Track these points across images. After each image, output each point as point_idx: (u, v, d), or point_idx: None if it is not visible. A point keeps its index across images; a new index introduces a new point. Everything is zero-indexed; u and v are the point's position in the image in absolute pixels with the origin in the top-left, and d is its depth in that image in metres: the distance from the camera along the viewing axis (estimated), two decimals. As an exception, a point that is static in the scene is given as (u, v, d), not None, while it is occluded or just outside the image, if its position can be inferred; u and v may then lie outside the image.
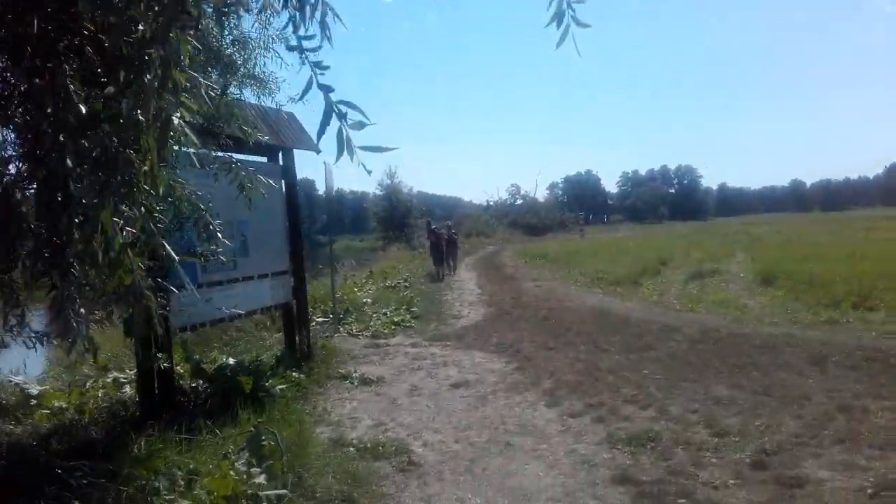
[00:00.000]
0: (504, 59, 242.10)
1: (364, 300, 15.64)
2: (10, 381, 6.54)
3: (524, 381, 8.63)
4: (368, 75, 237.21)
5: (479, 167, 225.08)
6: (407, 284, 20.56)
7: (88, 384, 7.02)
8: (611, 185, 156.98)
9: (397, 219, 54.19)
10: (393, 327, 12.95)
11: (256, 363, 8.14)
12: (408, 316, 14.24)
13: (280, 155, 8.93)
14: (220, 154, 5.97)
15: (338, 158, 2.45)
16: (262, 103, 7.65)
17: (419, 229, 43.34)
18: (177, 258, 3.03)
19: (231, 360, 7.79)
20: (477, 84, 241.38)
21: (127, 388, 7.11)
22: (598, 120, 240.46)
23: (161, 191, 2.82)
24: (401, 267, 27.96)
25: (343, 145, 2.44)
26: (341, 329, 12.61)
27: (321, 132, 2.46)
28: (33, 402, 6.35)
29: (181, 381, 7.16)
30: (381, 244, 53.78)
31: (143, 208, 2.75)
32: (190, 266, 6.86)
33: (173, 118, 2.48)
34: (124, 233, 2.65)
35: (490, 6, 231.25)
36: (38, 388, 6.52)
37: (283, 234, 8.87)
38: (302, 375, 8.28)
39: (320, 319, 13.02)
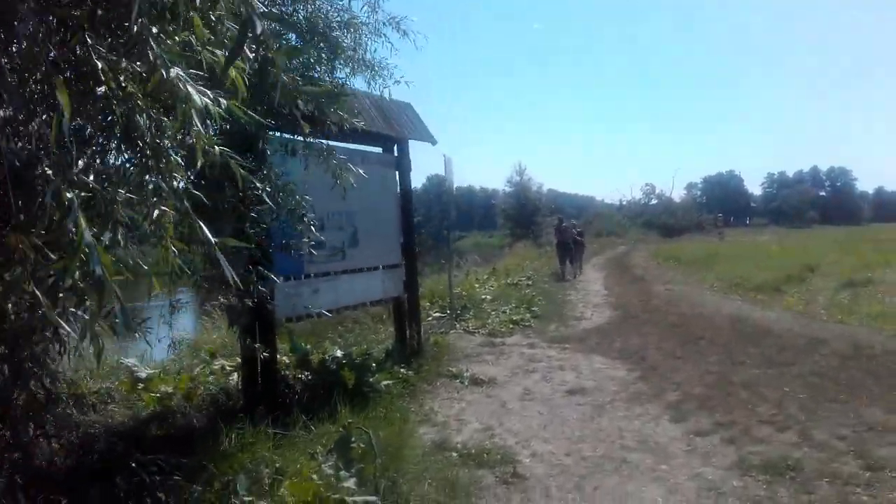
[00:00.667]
0: (640, 53, 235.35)
1: (483, 297, 15.27)
2: (123, 364, 6.60)
3: (647, 391, 7.95)
4: (501, 68, 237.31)
5: (613, 166, 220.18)
6: (530, 282, 20.02)
7: (197, 370, 7.01)
8: (754, 186, 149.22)
9: (525, 216, 53.63)
10: (511, 326, 12.50)
11: (365, 356, 7.92)
12: (528, 315, 13.74)
13: (395, 146, 8.67)
14: (313, 141, 5.74)
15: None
16: (373, 91, 7.38)
17: (547, 227, 42.58)
18: (217, 244, 2.65)
19: (339, 352, 7.59)
20: (613, 80, 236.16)
21: (235, 376, 7.05)
22: (741, 118, 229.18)
23: (199, 164, 2.49)
24: (525, 264, 27.42)
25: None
26: (457, 325, 12.29)
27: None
28: (140, 385, 6.37)
29: (286, 372, 7.03)
30: (508, 241, 53.40)
31: (175, 182, 2.44)
32: (295, 256, 6.69)
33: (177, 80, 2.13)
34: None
35: None
36: (148, 371, 6.54)
37: (395, 227, 8.61)
38: (410, 372, 7.99)
39: (437, 315, 12.75)
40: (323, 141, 6.95)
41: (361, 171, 7.90)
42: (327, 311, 7.34)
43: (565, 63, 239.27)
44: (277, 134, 6.43)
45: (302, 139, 5.82)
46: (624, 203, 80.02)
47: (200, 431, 5.37)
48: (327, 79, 6.09)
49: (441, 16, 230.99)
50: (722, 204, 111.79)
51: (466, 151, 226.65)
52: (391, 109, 8.40)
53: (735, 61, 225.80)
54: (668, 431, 6.51)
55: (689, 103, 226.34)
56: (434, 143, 9.05)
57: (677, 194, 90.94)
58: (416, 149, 8.86)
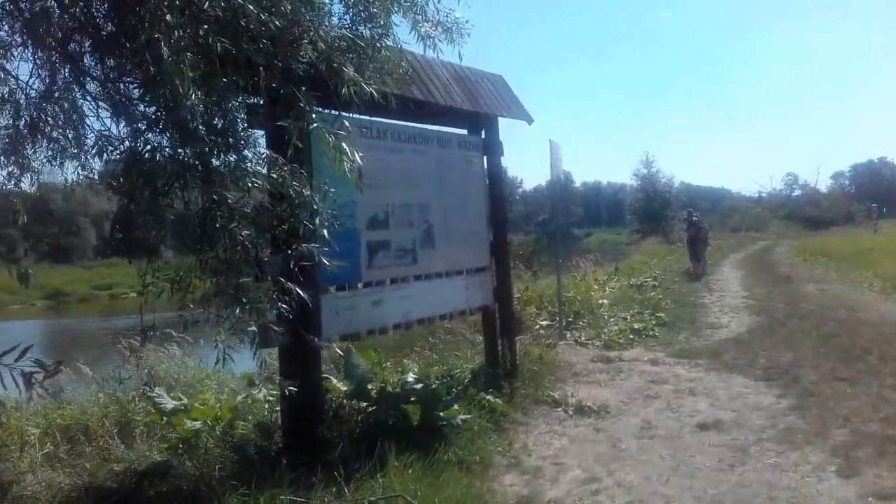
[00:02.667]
0: (776, 35, 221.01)
1: (600, 301, 13.55)
2: (146, 394, 5.57)
3: (804, 427, 6.15)
4: (625, 53, 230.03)
5: (750, 156, 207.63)
6: (656, 283, 18.00)
7: (239, 398, 5.87)
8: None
9: (653, 211, 50.78)
10: (631, 336, 10.79)
11: (443, 380, 6.59)
12: (652, 322, 11.96)
13: (482, 126, 7.27)
14: (361, 118, 4.46)
15: None
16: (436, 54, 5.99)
17: (679, 222, 39.85)
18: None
19: (410, 376, 6.29)
20: (747, 66, 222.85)
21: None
22: (890, 101, 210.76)
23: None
24: (653, 263, 25.25)
25: None
26: (568, 335, 10.72)
27: None
28: (162, 422, 5.31)
29: (344, 401, 5.80)
30: (636, 238, 50.79)
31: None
32: (349, 260, 5.44)
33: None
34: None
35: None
36: (175, 402, 5.46)
37: (483, 222, 7.19)
38: (500, 399, 6.55)
39: (544, 323, 11.23)
40: (375, 119, 5.72)
41: (436, 155, 6.61)
42: (396, 325, 6.07)
43: (695, 51, 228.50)
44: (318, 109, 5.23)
45: (337, 113, 4.54)
46: (763, 195, 75.07)
47: (212, 491, 4.19)
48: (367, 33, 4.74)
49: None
50: (873, 194, 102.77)
51: (590, 144, 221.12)
52: (475, 81, 7.01)
53: (878, 43, 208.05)
54: (835, 490, 4.80)
55: (832, 88, 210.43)
56: (530, 121, 7.57)
57: (823, 184, 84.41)
58: (516, 132, 7.46)
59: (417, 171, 6.29)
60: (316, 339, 5.01)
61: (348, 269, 5.47)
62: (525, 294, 11.90)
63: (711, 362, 8.96)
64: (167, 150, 3.31)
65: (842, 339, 9.89)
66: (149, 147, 3.32)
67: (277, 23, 3.53)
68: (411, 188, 6.19)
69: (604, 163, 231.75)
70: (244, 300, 4.17)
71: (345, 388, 5.83)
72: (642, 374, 8.40)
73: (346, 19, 4.72)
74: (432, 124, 6.72)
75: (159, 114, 3.27)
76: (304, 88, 3.92)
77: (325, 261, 4.03)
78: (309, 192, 3.82)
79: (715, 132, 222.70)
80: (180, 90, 2.63)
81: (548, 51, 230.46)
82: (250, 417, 5.63)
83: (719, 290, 17.78)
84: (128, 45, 2.90)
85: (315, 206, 3.86)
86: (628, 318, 12.33)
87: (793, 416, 6.48)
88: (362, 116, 5.67)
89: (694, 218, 22.95)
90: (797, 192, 74.14)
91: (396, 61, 4.94)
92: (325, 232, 3.90)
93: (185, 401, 5.56)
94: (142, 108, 3.46)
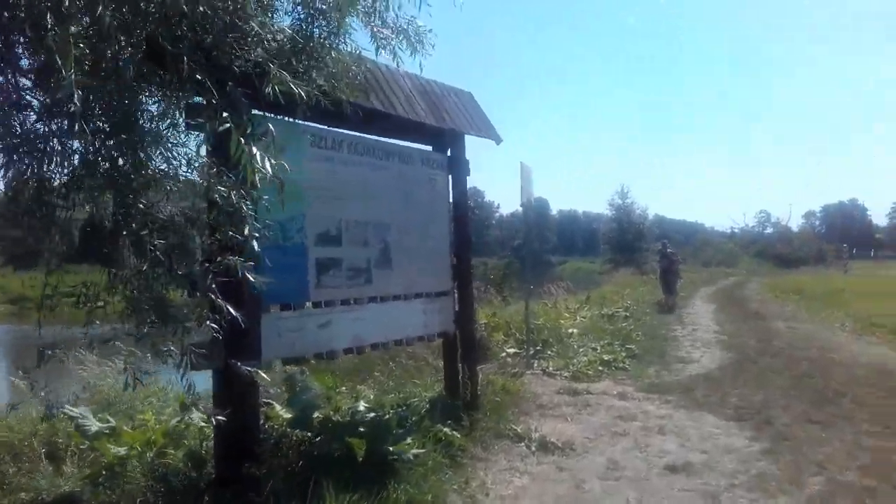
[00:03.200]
0: (758, 76, 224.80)
1: (570, 330, 13.17)
2: (64, 413, 5.03)
3: (778, 474, 5.79)
4: (608, 84, 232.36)
5: (724, 191, 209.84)
6: (628, 314, 17.67)
7: (173, 422, 5.37)
8: (879, 216, 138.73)
9: (627, 241, 50.91)
10: (600, 368, 10.41)
11: (397, 410, 6.15)
12: (622, 354, 11.59)
13: (447, 143, 6.90)
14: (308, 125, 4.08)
15: None
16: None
17: (652, 254, 39.84)
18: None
19: (362, 404, 5.85)
20: (725, 103, 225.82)
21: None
22: (866, 146, 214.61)
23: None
24: (625, 293, 24.96)
25: None
26: (535, 365, 10.32)
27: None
28: (84, 446, 4.81)
29: (287, 430, 5.33)
30: (609, 268, 50.75)
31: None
32: (295, 277, 5.02)
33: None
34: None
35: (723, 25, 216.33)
36: (101, 425, 4.96)
37: (445, 244, 6.79)
38: (457, 433, 6.10)
39: (511, 351, 10.81)
40: (330, 128, 5.36)
41: (397, 171, 6.23)
42: (346, 350, 5.63)
43: (674, 85, 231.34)
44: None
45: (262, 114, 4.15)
46: (736, 231, 75.63)
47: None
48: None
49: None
50: (843, 234, 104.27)
51: (567, 172, 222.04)
52: (441, 96, 6.65)
53: (854, 95, 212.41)
54: (814, 548, 4.42)
55: (807, 130, 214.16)
56: (499, 140, 7.22)
57: (795, 223, 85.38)
58: (495, 155, 7.10)
59: (376, 186, 5.89)
60: (244, 363, 4.56)
61: (294, 287, 5.06)
62: (492, 320, 11.50)
63: (682, 399, 8.59)
64: (55, 143, 2.84)
65: (815, 380, 9.60)
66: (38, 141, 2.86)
67: (202, 8, 3.12)
68: (368, 204, 5.79)
69: (581, 192, 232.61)
70: (165, 318, 3.76)
71: (288, 416, 5.37)
72: (610, 409, 8.01)
73: (297, 15, 4.33)
74: (396, 138, 6.35)
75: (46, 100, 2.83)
76: (229, 85, 3.50)
77: (249, 276, 3.53)
78: (236, 199, 3.37)
79: (692, 166, 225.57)
80: (62, 69, 2.20)
81: (529, 71, 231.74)
82: (185, 443, 5.15)
83: (691, 323, 17.51)
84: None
85: (243, 215, 3.40)
86: (598, 348, 11.97)
87: (765, 462, 6.12)
88: (315, 125, 5.30)
89: (668, 250, 22.81)
90: (769, 230, 74.79)
91: (346, 65, 4.54)
92: (255, 244, 3.43)
93: (113, 423, 5.06)
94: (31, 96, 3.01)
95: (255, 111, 4.65)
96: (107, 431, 4.92)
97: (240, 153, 3.09)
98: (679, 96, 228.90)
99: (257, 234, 3.44)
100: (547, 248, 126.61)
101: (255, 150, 3.29)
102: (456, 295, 6.88)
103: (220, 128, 3.19)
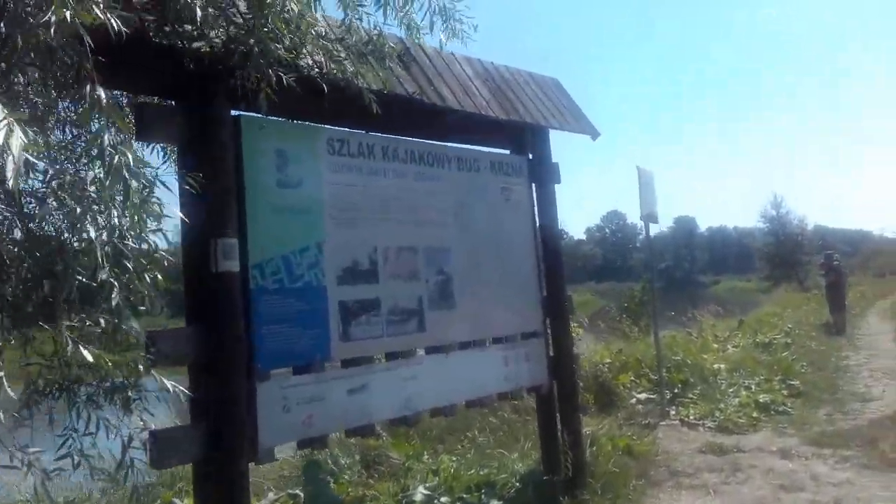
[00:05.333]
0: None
1: (716, 365, 11.13)
2: None
3: None
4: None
5: (891, 194, 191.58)
6: (788, 340, 15.14)
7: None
8: None
9: (785, 256, 46.68)
10: (755, 414, 8.44)
11: (479, 495, 4.72)
12: (782, 393, 9.52)
13: (528, 143, 5.47)
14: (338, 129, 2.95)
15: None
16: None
17: (815, 267, 36.01)
18: None
19: (420, 493, 4.47)
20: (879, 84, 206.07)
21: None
22: None
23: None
24: (785, 314, 22.08)
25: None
26: (672, 412, 8.53)
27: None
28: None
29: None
30: (767, 286, 46.74)
31: None
32: (309, 329, 3.78)
33: None
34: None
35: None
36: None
37: (530, 271, 5.32)
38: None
39: (643, 396, 9.06)
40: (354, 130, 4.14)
41: (455, 181, 4.88)
42: (394, 420, 4.30)
43: (815, 65, 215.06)
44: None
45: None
46: (911, 235, 68.04)
47: None
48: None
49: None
50: None
51: (712, 184, 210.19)
52: (512, 82, 5.24)
53: None
54: None
55: None
56: (595, 135, 5.70)
57: None
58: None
59: (426, 201, 4.57)
60: (226, 456, 3.32)
61: (308, 342, 3.79)
62: (617, 358, 9.77)
63: (864, 454, 6.57)
64: None
65: None
66: None
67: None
68: (416, 225, 4.47)
69: (728, 205, 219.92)
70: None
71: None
72: (768, 474, 6.15)
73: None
74: (458, 140, 5.03)
75: None
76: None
77: (133, 324, 2.33)
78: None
79: (850, 166, 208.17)
80: None
81: (636, 64, 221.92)
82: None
83: (866, 347, 14.84)
84: None
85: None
86: (752, 387, 9.92)
87: None
88: (334, 127, 4.11)
89: (834, 262, 19.85)
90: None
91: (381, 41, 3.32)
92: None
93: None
94: None
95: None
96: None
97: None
98: (834, 91, 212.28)
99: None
100: (698, 268, 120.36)
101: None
102: (549, 336, 5.39)
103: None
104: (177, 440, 3.28)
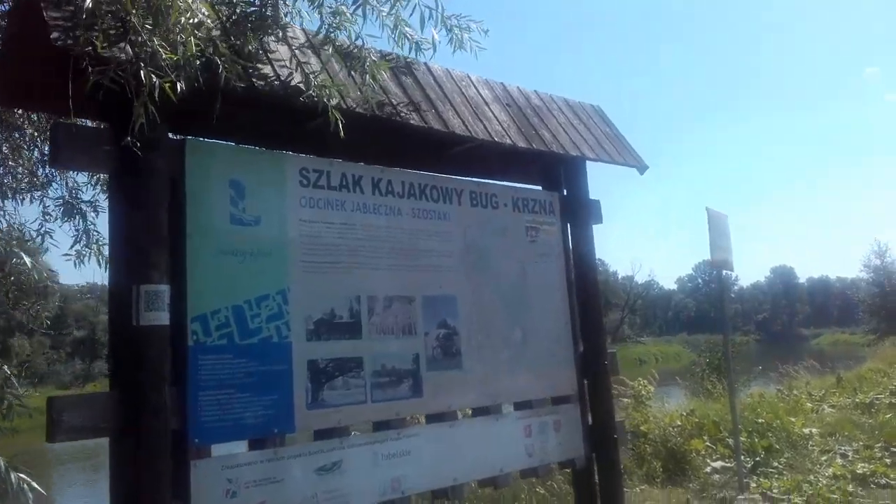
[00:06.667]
0: None
1: (807, 429, 9.83)
2: None
3: None
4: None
5: None
6: (894, 400, 13.55)
7: None
8: None
9: (890, 307, 43.48)
10: (850, 487, 7.23)
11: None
12: (885, 462, 8.23)
13: (560, 177, 4.75)
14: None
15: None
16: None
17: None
18: None
19: None
20: None
21: None
22: None
23: None
24: (891, 371, 20.08)
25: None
26: (752, 485, 7.42)
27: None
28: None
29: None
30: (872, 339, 43.55)
31: None
32: (267, 393, 3.15)
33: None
34: None
35: None
36: None
37: (562, 325, 4.53)
38: None
39: (718, 465, 7.97)
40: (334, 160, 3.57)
41: (464, 219, 4.19)
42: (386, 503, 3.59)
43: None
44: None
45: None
46: None
47: None
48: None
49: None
50: None
51: (811, 232, 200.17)
52: (539, 108, 4.55)
53: None
54: None
55: None
56: (643, 168, 4.93)
57: None
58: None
59: (426, 243, 3.89)
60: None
61: (263, 410, 3.14)
62: (688, 421, 8.69)
63: None
64: None
65: None
66: None
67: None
68: (412, 271, 3.79)
69: (828, 254, 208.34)
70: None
71: None
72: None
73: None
74: (487, 177, 4.40)
75: None
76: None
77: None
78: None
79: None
80: None
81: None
82: None
83: None
84: None
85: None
86: (849, 454, 8.66)
87: None
88: (305, 155, 3.53)
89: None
90: None
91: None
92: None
93: None
94: None
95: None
96: None
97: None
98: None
99: None
100: (798, 321, 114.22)
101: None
102: (587, 400, 4.56)
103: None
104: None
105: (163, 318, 2.81)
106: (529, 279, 4.37)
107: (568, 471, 5.27)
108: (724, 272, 8.54)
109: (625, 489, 7.23)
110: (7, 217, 4.95)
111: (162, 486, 2.75)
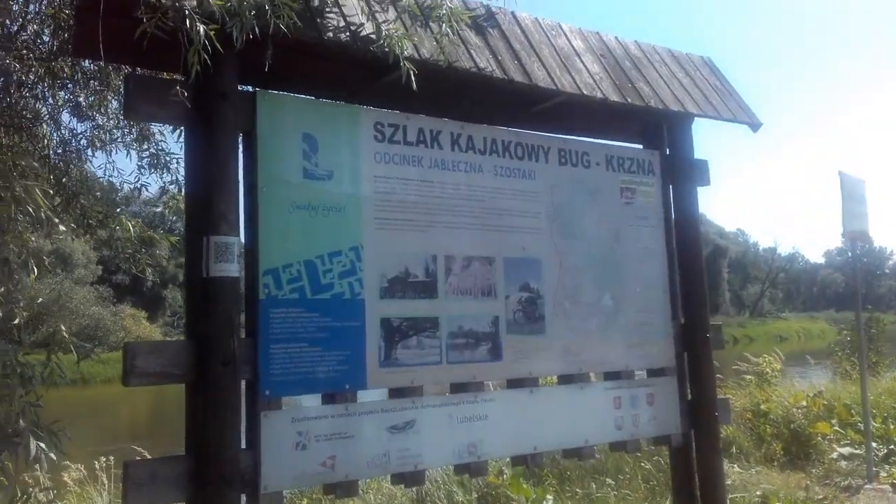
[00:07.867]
0: None
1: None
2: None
3: None
4: None
5: None
6: None
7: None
8: None
9: None
10: None
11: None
12: None
13: (661, 135, 4.45)
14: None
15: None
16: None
17: None
18: None
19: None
20: None
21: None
22: None
23: None
24: None
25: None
26: (882, 474, 6.84)
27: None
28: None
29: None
30: None
31: None
32: (339, 350, 3.16)
33: None
34: None
35: None
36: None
37: (659, 294, 4.26)
38: None
39: (846, 451, 7.39)
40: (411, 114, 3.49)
41: (553, 179, 4.00)
42: (456, 467, 3.55)
43: None
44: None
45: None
46: None
47: None
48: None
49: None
50: None
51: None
52: (638, 59, 4.25)
53: None
54: None
55: None
56: (756, 126, 4.52)
57: None
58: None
59: (509, 203, 3.75)
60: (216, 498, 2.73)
61: (337, 365, 3.13)
62: (814, 403, 8.08)
63: None
64: None
65: None
66: None
67: None
68: (493, 231, 3.66)
69: None
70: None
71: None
72: None
73: None
74: (585, 135, 4.20)
75: None
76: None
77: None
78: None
79: None
80: None
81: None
82: None
83: None
84: None
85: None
86: None
87: None
88: (381, 109, 3.48)
89: None
90: None
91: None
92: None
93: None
94: None
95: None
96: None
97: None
98: None
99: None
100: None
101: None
102: (686, 374, 4.29)
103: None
104: (158, 475, 2.77)
105: (232, 269, 2.83)
106: (623, 244, 4.13)
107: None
108: (864, 245, 7.85)
109: (739, 470, 6.87)
110: (107, 169, 5.03)
111: (233, 436, 2.79)
